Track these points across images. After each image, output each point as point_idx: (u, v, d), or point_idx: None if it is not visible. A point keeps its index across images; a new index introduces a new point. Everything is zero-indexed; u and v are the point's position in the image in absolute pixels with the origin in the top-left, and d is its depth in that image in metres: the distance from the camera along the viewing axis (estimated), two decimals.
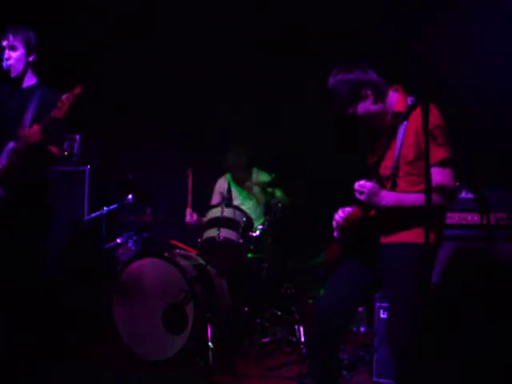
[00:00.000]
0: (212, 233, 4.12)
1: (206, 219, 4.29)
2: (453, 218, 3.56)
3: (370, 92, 2.58)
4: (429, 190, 2.21)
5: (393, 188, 2.55)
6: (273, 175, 4.42)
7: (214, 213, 4.23)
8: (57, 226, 3.62)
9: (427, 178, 2.21)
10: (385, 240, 2.61)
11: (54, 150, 3.37)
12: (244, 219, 4.24)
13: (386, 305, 3.49)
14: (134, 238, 4.84)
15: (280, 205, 4.41)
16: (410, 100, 2.60)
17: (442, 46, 4.42)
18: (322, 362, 2.74)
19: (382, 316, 3.50)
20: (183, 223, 4.87)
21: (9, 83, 3.44)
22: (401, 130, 2.55)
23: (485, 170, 4.06)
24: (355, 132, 2.86)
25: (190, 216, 4.49)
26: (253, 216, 4.52)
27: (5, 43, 3.35)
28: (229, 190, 4.50)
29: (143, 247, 4.81)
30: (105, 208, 5.12)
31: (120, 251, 4.92)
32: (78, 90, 3.16)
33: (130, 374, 3.77)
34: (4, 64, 3.36)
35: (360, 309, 4.51)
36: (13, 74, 3.39)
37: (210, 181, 5.03)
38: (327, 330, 2.68)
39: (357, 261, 2.70)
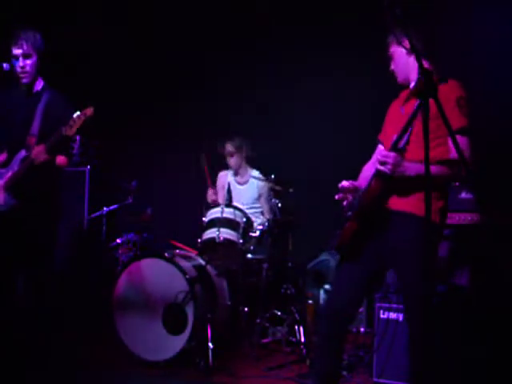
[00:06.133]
0: (212, 233, 4.12)
1: (205, 220, 4.29)
2: (453, 217, 3.56)
3: (408, 45, 2.64)
4: (427, 172, 2.21)
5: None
6: (272, 176, 4.42)
7: (214, 213, 4.22)
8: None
9: (426, 162, 2.22)
10: (395, 207, 2.63)
11: (62, 160, 3.40)
12: (244, 219, 4.24)
13: (386, 305, 3.49)
14: (134, 238, 4.84)
15: (280, 205, 4.41)
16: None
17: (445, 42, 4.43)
18: (325, 362, 2.77)
19: (381, 316, 3.50)
20: (183, 223, 4.87)
21: (14, 86, 3.43)
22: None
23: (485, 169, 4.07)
24: None
25: (213, 194, 4.63)
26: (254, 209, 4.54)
27: (19, 52, 3.34)
28: (229, 191, 4.51)
29: (143, 247, 4.81)
30: (105, 208, 5.12)
31: (120, 251, 4.92)
32: (89, 112, 3.17)
33: (130, 374, 3.77)
34: (18, 70, 3.35)
35: (360, 309, 4.51)
36: (27, 80, 3.39)
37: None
38: (335, 330, 2.74)
39: (356, 260, 2.72)
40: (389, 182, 2.58)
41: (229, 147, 4.79)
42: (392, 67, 2.82)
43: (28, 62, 3.36)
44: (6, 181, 3.36)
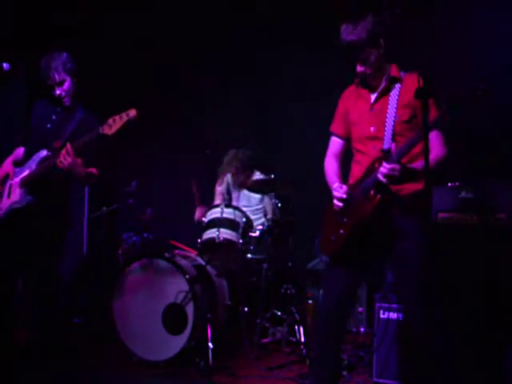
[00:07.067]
0: (212, 233, 4.12)
1: (205, 220, 4.29)
2: (453, 218, 3.55)
3: (383, 43, 2.69)
4: (427, 165, 2.25)
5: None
6: (272, 176, 4.42)
7: (214, 213, 4.22)
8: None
9: (426, 160, 2.24)
10: (394, 209, 2.66)
11: (94, 170, 3.39)
12: (244, 220, 4.24)
13: (386, 305, 3.49)
14: (134, 238, 4.84)
15: (280, 205, 4.41)
16: (402, 73, 2.75)
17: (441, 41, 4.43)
18: (324, 362, 2.77)
19: (381, 316, 3.50)
20: (183, 223, 4.87)
21: (51, 99, 3.46)
22: (394, 93, 2.69)
23: (485, 169, 4.07)
24: None
25: (200, 212, 4.60)
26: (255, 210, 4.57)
27: (51, 82, 3.35)
28: (228, 191, 4.51)
29: (143, 247, 4.81)
30: (105, 208, 5.11)
31: (120, 251, 4.92)
32: (132, 113, 3.09)
33: (130, 374, 3.77)
34: (56, 97, 3.38)
35: (360, 309, 4.51)
36: (68, 103, 3.42)
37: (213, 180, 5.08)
38: (332, 329, 2.76)
39: (348, 263, 2.75)
40: (390, 192, 2.60)
41: (230, 164, 4.77)
42: (364, 70, 2.72)
43: (63, 87, 3.37)
44: (21, 178, 3.36)
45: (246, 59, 5.45)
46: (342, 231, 2.70)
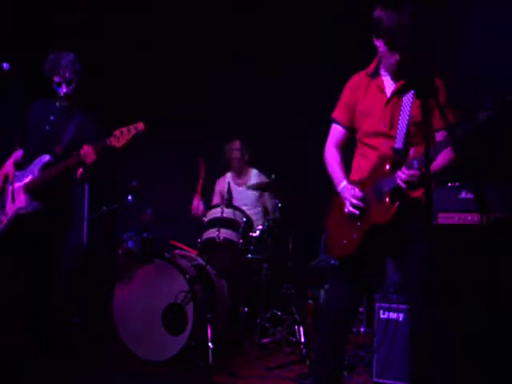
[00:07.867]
0: (212, 233, 4.12)
1: (206, 220, 4.29)
2: (453, 218, 3.55)
3: None
4: (428, 172, 2.26)
5: None
6: (272, 176, 4.42)
7: (214, 213, 4.23)
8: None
9: (427, 159, 2.24)
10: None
11: (80, 171, 3.40)
12: (244, 219, 4.24)
13: (386, 305, 3.49)
14: (134, 238, 4.83)
15: (280, 205, 4.41)
16: None
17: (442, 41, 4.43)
18: (324, 363, 2.77)
19: (381, 316, 3.50)
20: (183, 223, 4.87)
21: (49, 98, 3.48)
22: (409, 94, 2.58)
23: (485, 169, 4.06)
24: None
25: (197, 205, 4.62)
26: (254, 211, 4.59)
27: (61, 80, 3.36)
28: (229, 191, 4.50)
29: (143, 247, 4.81)
30: (105, 208, 5.10)
31: (120, 251, 4.91)
32: (140, 126, 3.10)
33: (130, 374, 3.77)
34: (61, 95, 3.40)
35: (360, 309, 4.51)
36: (70, 103, 3.43)
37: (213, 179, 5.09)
38: (336, 330, 2.75)
39: (357, 265, 2.71)
40: (407, 198, 2.54)
41: (237, 144, 4.92)
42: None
43: (71, 87, 3.39)
44: (25, 183, 3.35)
45: (246, 59, 5.45)
46: (355, 235, 2.62)
